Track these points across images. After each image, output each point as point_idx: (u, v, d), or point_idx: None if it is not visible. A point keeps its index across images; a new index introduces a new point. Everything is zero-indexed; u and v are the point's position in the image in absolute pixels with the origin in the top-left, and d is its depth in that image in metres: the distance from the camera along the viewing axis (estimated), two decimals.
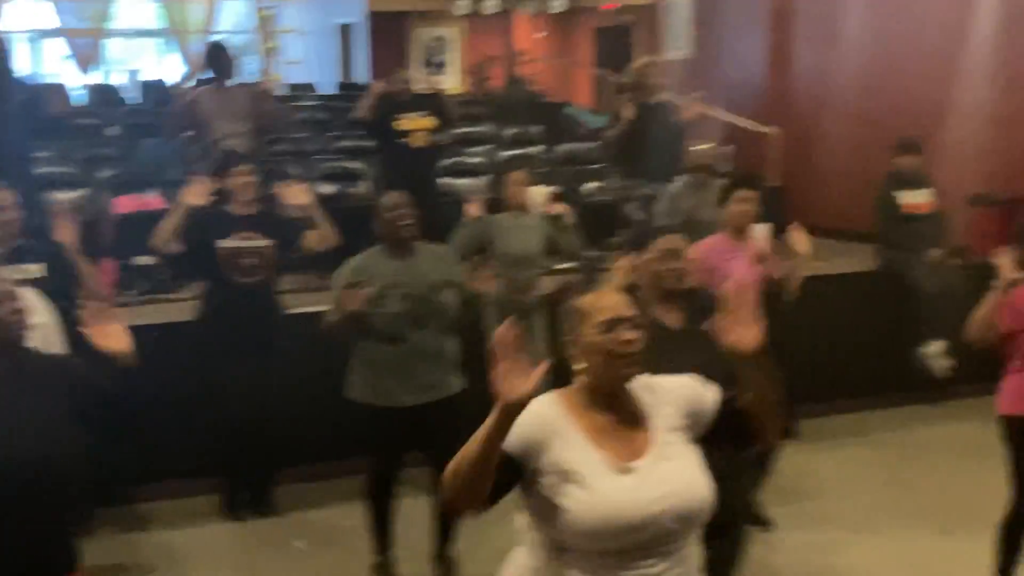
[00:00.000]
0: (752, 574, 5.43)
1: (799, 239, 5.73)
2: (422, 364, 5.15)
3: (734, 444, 2.97)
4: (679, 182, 7.45)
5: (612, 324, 2.78)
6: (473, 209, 6.82)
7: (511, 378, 2.51)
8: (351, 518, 5.76)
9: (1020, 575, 5.08)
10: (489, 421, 2.55)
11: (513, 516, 2.90)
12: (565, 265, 7.23)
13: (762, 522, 5.94)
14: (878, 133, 10.48)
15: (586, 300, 2.86)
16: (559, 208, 7.56)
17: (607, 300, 2.85)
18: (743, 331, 2.80)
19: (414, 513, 5.57)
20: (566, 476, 2.69)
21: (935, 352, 8.03)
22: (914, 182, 8.14)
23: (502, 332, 2.54)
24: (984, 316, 4.86)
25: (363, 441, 5.33)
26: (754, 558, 5.62)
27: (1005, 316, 4.82)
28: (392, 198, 5.25)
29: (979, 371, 7.93)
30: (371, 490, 5.35)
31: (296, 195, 6.06)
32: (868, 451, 7.36)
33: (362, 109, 8.72)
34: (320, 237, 6.04)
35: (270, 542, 5.97)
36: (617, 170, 9.27)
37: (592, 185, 10.30)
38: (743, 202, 5.65)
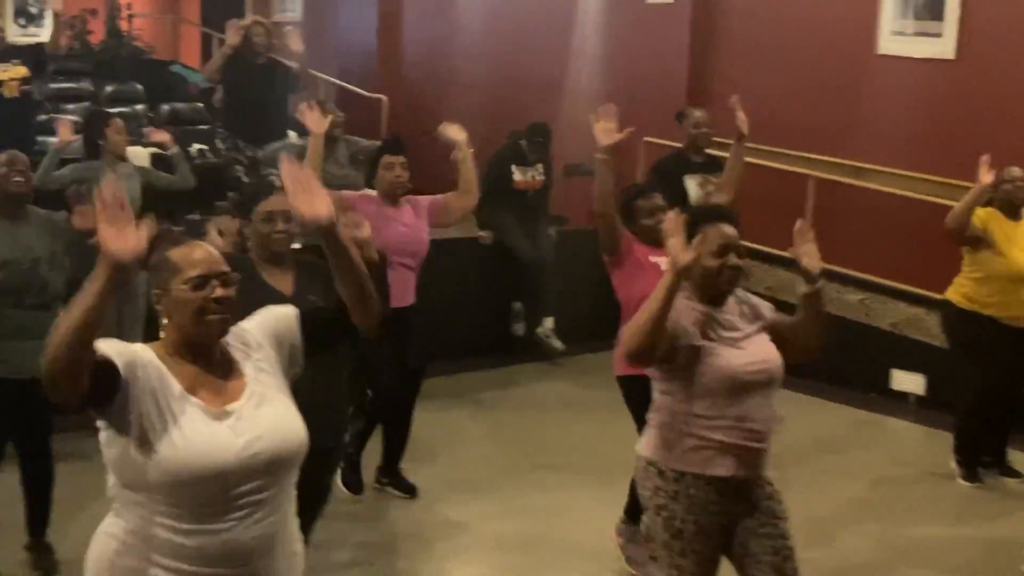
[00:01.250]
0: (360, 533, 5.53)
1: (451, 130, 5.81)
2: (17, 343, 4.75)
3: (334, 342, 2.96)
4: (291, 143, 7.44)
5: (203, 280, 2.70)
6: (64, 131, 6.75)
7: (118, 234, 2.44)
8: None
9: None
10: (95, 279, 2.45)
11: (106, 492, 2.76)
12: None
13: (407, 489, 6.02)
14: (492, 105, 10.80)
15: (176, 253, 2.74)
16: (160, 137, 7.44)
17: (198, 254, 2.75)
18: (313, 199, 2.74)
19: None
20: (162, 418, 2.59)
21: (547, 330, 8.44)
22: (529, 159, 8.45)
23: (106, 188, 2.47)
24: (602, 187, 4.98)
25: None
26: (366, 518, 5.72)
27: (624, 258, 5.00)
28: (7, 155, 4.91)
29: (577, 331, 8.46)
30: None
31: None
32: (472, 410, 7.61)
33: None
34: None
35: None
36: (225, 132, 9.08)
37: (198, 147, 10.01)
38: (391, 167, 5.67)
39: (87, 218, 4.83)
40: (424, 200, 5.86)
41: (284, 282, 3.95)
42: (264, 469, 2.66)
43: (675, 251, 3.36)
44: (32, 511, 5.06)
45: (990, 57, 8.07)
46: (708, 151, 7.14)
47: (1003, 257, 6.22)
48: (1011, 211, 6.32)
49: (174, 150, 7.26)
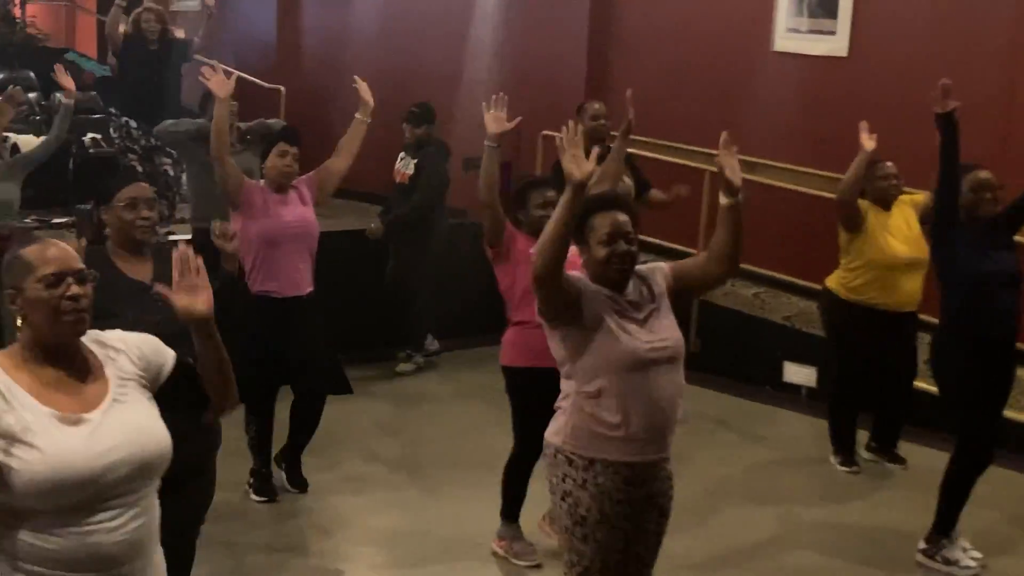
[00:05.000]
0: (246, 531, 5.47)
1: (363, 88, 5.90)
2: None
3: (189, 406, 2.91)
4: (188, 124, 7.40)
5: (57, 278, 2.64)
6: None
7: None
8: None
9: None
10: None
11: None
12: None
13: (299, 484, 5.98)
14: (390, 96, 10.70)
15: (30, 252, 2.68)
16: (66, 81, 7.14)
17: (52, 252, 2.69)
18: (194, 297, 2.75)
19: None
20: (13, 436, 2.52)
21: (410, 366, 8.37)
22: (410, 150, 8.24)
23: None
24: (487, 177, 4.99)
25: None
26: (255, 515, 5.65)
27: (510, 261, 5.02)
28: None
29: (464, 324, 8.45)
30: None
31: None
32: (359, 404, 7.48)
33: None
34: None
35: None
36: (118, 121, 8.91)
37: (92, 135, 9.83)
38: (283, 155, 5.67)
39: None
40: (303, 181, 5.82)
41: (143, 271, 3.86)
42: (126, 475, 2.61)
43: (572, 164, 3.39)
44: None
45: (881, 55, 8.22)
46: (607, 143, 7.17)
47: (878, 245, 6.35)
48: (883, 204, 6.48)
49: (69, 101, 6.98)
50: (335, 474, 6.22)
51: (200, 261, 2.80)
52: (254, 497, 5.82)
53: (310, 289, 5.79)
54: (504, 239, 4.99)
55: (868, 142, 6.25)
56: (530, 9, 10.02)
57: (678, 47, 9.23)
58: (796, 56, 8.67)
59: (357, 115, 5.97)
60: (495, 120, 4.97)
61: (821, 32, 8.58)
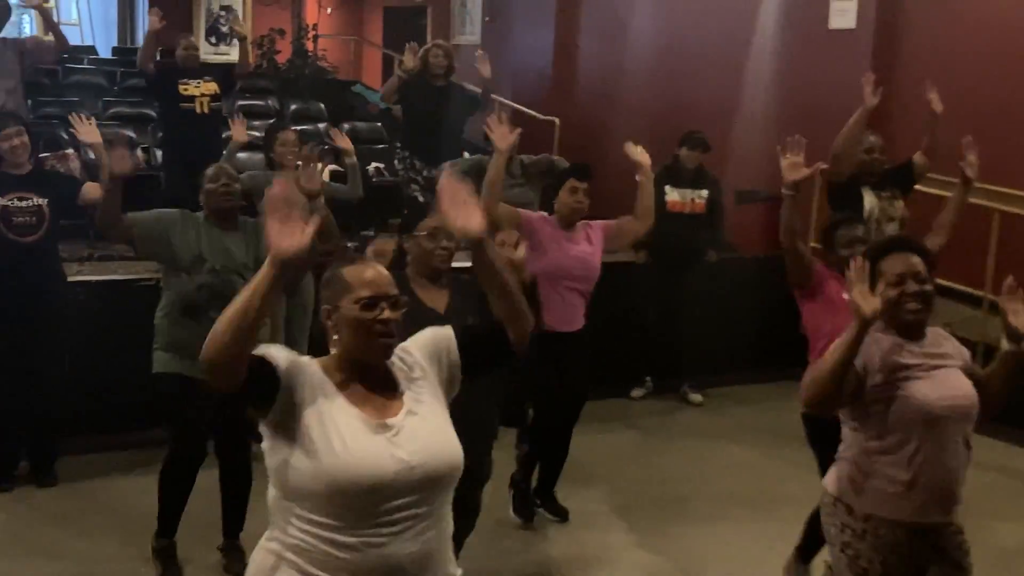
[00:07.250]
0: (504, 558, 5.51)
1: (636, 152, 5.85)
2: None
3: (497, 357, 2.93)
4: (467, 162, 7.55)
5: (373, 301, 2.73)
6: (238, 131, 6.86)
7: (284, 231, 2.51)
8: (134, 493, 5.64)
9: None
10: (261, 273, 2.55)
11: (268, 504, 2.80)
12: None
13: (559, 512, 6.00)
14: (662, 128, 10.73)
15: (348, 272, 2.78)
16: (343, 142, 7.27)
17: (370, 274, 2.78)
18: (467, 212, 2.75)
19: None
20: (324, 427, 2.63)
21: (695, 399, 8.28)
22: (686, 179, 8.12)
23: (276, 186, 2.52)
24: (788, 223, 4.82)
25: (160, 416, 5.10)
26: (514, 542, 5.70)
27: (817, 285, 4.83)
28: (214, 169, 4.99)
29: (743, 360, 8.29)
30: (169, 469, 5.03)
31: (88, 132, 5.61)
32: (635, 436, 7.55)
33: (142, 56, 8.42)
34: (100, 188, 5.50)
35: (49, 514, 5.67)
36: (402, 152, 9.21)
37: (375, 165, 10.22)
38: (574, 192, 5.66)
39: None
40: (598, 225, 5.80)
41: (439, 300, 3.97)
42: (419, 485, 2.67)
43: (859, 300, 3.32)
44: (227, 512, 5.16)
45: None
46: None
47: None
48: None
49: (352, 160, 7.07)
50: (595, 507, 6.19)
51: (467, 186, 2.79)
52: (513, 516, 5.85)
53: (582, 326, 5.78)
54: (814, 280, 4.81)
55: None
56: (811, 41, 9.82)
57: (968, 78, 8.83)
58: None
59: (639, 179, 5.83)
60: (792, 167, 4.75)
61: None
